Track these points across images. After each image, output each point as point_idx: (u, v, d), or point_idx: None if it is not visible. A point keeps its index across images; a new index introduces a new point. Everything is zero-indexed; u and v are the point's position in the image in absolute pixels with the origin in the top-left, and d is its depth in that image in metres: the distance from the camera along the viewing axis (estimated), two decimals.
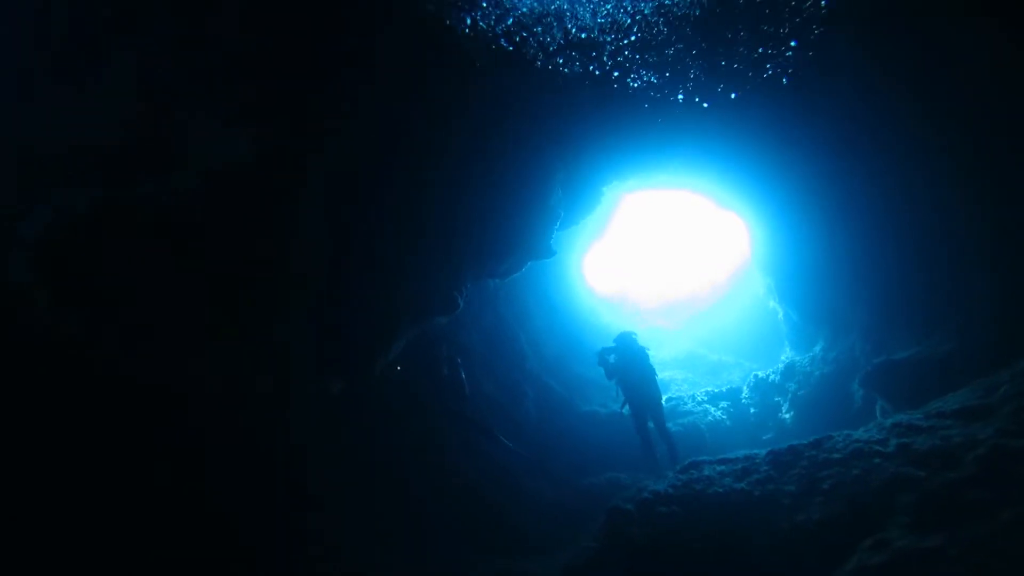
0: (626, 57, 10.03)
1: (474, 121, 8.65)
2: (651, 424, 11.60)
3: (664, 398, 12.58)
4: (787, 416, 12.76)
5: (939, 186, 9.07)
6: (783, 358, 14.54)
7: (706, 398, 14.58)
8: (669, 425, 13.11)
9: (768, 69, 9.74)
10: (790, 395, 13.00)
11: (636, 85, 10.42)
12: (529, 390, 13.77)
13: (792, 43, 9.29)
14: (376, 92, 7.88)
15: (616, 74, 10.19)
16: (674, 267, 28.78)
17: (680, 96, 10.60)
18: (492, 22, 8.77)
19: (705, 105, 10.73)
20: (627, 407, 11.66)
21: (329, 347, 7.48)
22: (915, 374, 9.02)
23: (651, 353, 12.12)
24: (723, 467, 7.16)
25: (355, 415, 8.65)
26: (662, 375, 16.85)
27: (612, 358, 11.96)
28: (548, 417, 13.69)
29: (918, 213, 9.41)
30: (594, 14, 9.29)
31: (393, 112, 8.03)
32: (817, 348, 13.23)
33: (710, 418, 13.74)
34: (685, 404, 14.24)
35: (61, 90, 6.44)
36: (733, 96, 10.32)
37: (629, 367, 11.74)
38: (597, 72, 9.96)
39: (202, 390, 6.18)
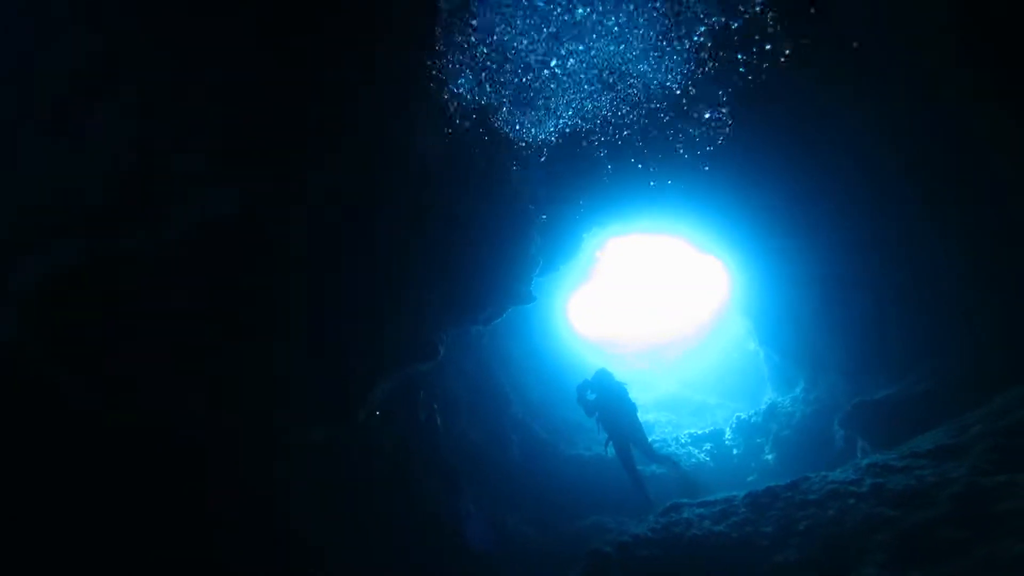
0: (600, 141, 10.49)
1: (455, 175, 8.80)
2: (638, 454, 11.58)
3: (650, 439, 12.52)
4: (770, 457, 12.76)
5: (913, 233, 9.28)
6: (765, 399, 14.60)
7: (689, 440, 14.57)
8: (654, 468, 13.15)
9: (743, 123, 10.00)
10: (772, 436, 13.02)
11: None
12: (514, 436, 13.72)
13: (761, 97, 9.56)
14: (360, 147, 7.99)
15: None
16: (657, 310, 28.95)
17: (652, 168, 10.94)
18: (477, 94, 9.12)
19: (684, 156, 10.99)
20: (611, 447, 11.63)
21: (311, 395, 7.49)
22: (893, 414, 9.10)
23: (629, 388, 12.13)
24: (702, 509, 7.16)
25: (340, 463, 8.60)
26: (646, 418, 16.90)
27: (591, 395, 11.96)
28: (533, 462, 13.60)
29: (893, 258, 9.61)
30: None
31: (375, 168, 8.13)
32: (798, 389, 13.32)
33: (694, 460, 13.70)
34: (669, 446, 14.20)
35: (46, 142, 6.50)
36: (709, 149, 10.55)
37: (609, 403, 11.72)
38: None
39: (188, 437, 6.17)
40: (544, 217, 11.36)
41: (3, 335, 5.68)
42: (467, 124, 9.27)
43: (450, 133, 9.04)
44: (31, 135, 6.54)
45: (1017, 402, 6.37)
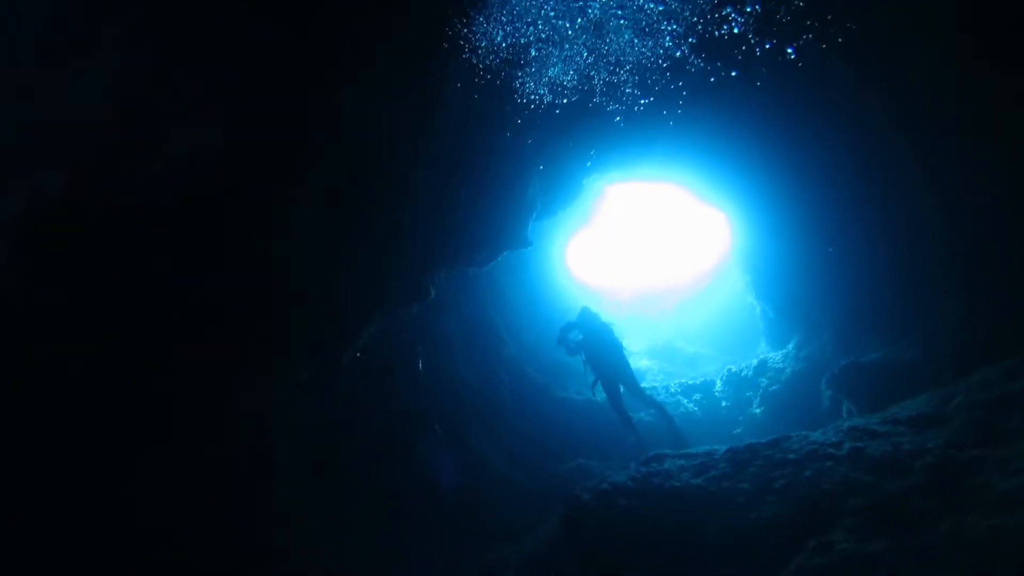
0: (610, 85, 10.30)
1: (454, 119, 8.64)
2: (626, 393, 11.69)
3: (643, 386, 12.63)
4: (758, 411, 12.91)
5: (913, 199, 9.20)
6: (758, 353, 14.70)
7: (679, 390, 14.73)
8: (643, 415, 13.31)
9: (752, 68, 9.78)
10: (761, 390, 13.14)
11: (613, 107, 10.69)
12: (505, 376, 13.85)
13: (769, 45, 9.34)
14: (366, 87, 7.83)
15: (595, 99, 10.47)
16: (656, 258, 28.88)
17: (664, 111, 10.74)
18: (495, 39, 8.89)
19: (688, 103, 10.82)
20: (599, 389, 11.72)
21: (299, 334, 7.52)
22: (879, 378, 9.15)
23: (615, 328, 12.14)
24: (683, 461, 7.26)
25: (323, 404, 8.70)
26: (638, 365, 17.07)
27: (577, 335, 11.98)
28: (524, 403, 13.76)
29: (891, 222, 9.56)
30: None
31: (380, 108, 7.99)
32: (790, 345, 13.39)
33: (682, 410, 13.86)
34: (659, 395, 14.31)
35: (43, 72, 6.39)
36: (713, 95, 10.37)
37: (595, 343, 11.75)
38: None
39: (172, 370, 6.23)
40: (542, 166, 11.23)
41: None
42: (487, 76, 9.08)
43: (474, 82, 8.87)
44: (27, 63, 6.43)
45: (1001, 376, 6.39)
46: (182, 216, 6.22)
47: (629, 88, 10.61)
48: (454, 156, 8.76)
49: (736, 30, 9.21)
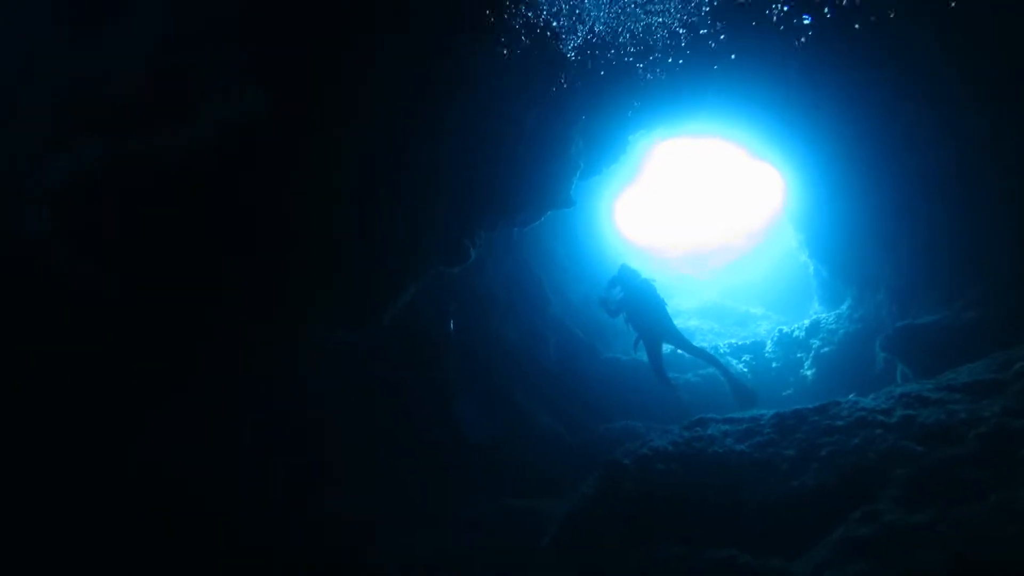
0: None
1: (493, 78, 8.47)
2: (678, 352, 11.53)
3: None
4: (808, 373, 12.66)
5: (969, 149, 8.76)
6: (811, 313, 14.37)
7: (729, 350, 14.48)
8: (689, 376, 13.16)
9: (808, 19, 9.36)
10: (813, 352, 12.86)
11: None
12: (550, 335, 13.81)
13: None
14: (404, 46, 7.71)
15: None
16: (705, 217, 28.31)
17: (712, 44, 10.30)
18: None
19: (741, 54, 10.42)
20: (641, 349, 11.58)
21: (340, 295, 7.57)
22: (936, 341, 8.84)
23: (656, 284, 11.91)
24: (728, 426, 7.16)
25: (367, 364, 8.80)
26: (687, 324, 16.86)
27: (618, 292, 11.82)
28: (569, 362, 13.75)
29: (948, 175, 9.10)
30: None
31: (416, 67, 7.87)
32: (844, 306, 13.03)
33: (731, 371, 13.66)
34: None
35: (76, 36, 6.44)
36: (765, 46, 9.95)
37: (635, 300, 11.56)
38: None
39: (214, 336, 6.34)
40: (585, 124, 10.96)
41: (34, 232, 5.79)
42: (529, 33, 8.87)
43: (514, 40, 8.68)
44: (62, 30, 6.48)
45: None
46: (220, 179, 6.25)
47: (675, 40, 10.27)
48: (493, 115, 8.60)
49: None
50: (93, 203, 5.83)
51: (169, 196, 6.04)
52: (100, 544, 5.75)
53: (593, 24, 9.55)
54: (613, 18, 9.73)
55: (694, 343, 12.38)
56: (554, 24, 9.08)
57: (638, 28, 10.05)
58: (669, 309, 11.82)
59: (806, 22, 9.47)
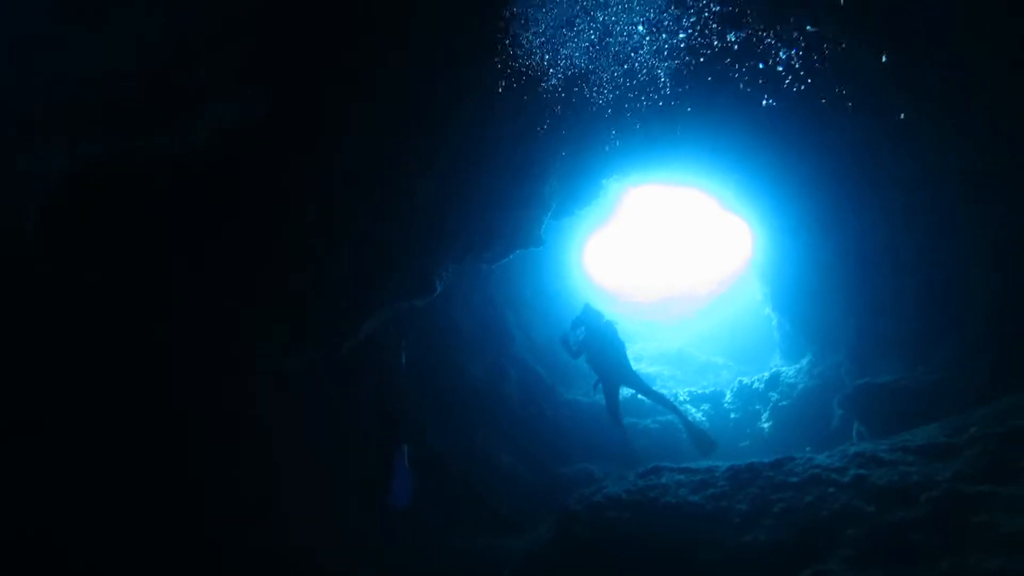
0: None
1: (475, 116, 8.50)
2: (630, 395, 11.48)
3: None
4: (766, 426, 12.69)
5: (944, 219, 8.93)
6: (771, 366, 14.46)
7: (688, 398, 14.51)
8: (648, 422, 13.12)
9: (782, 79, 9.55)
10: (771, 405, 12.92)
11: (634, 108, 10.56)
12: (514, 373, 13.73)
13: (798, 51, 9.11)
14: (399, 69, 7.70)
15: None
16: (674, 264, 28.64)
17: (686, 96, 10.49)
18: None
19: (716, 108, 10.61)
20: (600, 390, 11.54)
21: (296, 321, 7.44)
22: (894, 401, 8.92)
23: (618, 326, 11.95)
24: (682, 476, 7.08)
25: (324, 394, 8.63)
26: (649, 370, 16.87)
27: (580, 332, 11.80)
28: (531, 402, 13.66)
29: (919, 242, 9.27)
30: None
31: (405, 93, 7.87)
32: (804, 361, 13.16)
33: (689, 419, 13.64)
34: None
35: (79, 32, 6.34)
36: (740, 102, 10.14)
37: (598, 341, 11.55)
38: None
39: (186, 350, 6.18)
40: (560, 165, 11.03)
41: (27, 231, 5.66)
42: (513, 77, 8.95)
43: (498, 81, 8.73)
44: (59, 27, 6.39)
45: (1020, 409, 6.16)
46: (210, 185, 6.15)
47: (650, 90, 10.43)
48: (471, 151, 8.60)
49: (759, 36, 9.00)
50: (85, 203, 5.69)
51: (160, 200, 5.93)
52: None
53: (573, 67, 9.65)
54: (592, 62, 9.86)
55: (654, 388, 12.35)
56: (535, 65, 9.15)
57: (617, 75, 10.20)
58: (632, 353, 11.84)
59: (782, 78, 9.65)
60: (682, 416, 11.58)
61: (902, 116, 8.91)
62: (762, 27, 8.96)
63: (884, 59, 8.53)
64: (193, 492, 6.60)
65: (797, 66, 9.30)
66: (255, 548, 7.16)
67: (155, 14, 6.71)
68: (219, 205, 6.49)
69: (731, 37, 9.30)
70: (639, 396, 12.41)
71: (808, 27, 8.72)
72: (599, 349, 11.48)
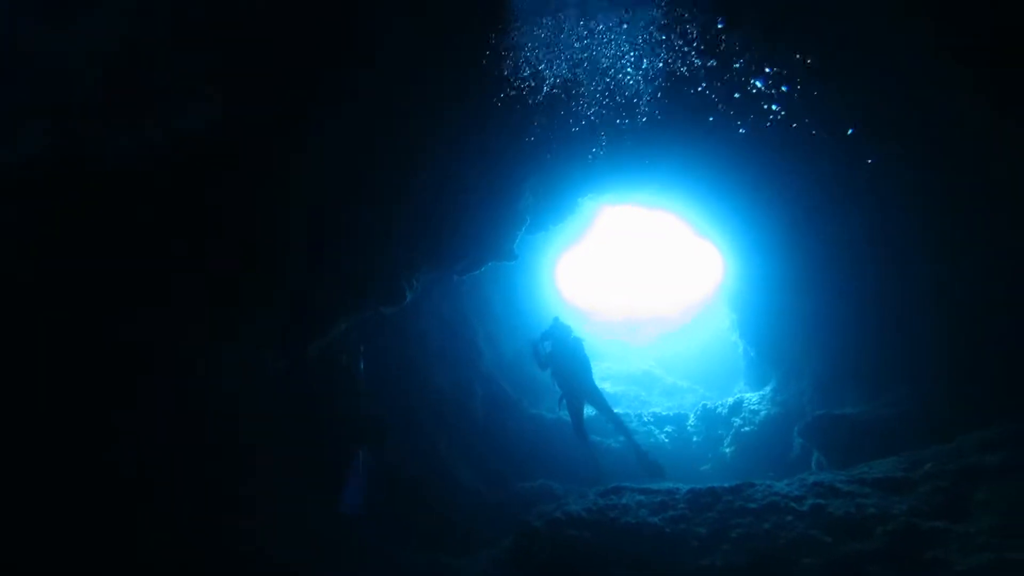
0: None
1: (452, 122, 8.49)
2: (594, 412, 11.52)
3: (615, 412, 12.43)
4: (728, 450, 12.75)
5: (909, 256, 9.10)
6: (735, 392, 14.56)
7: (652, 420, 14.51)
8: (611, 442, 13.12)
9: (754, 110, 9.71)
10: (734, 430, 12.99)
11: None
12: (479, 387, 13.64)
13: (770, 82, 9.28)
14: (369, 79, 7.66)
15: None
16: (644, 286, 28.84)
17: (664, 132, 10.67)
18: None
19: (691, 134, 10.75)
20: (565, 405, 11.56)
21: (265, 321, 7.34)
22: (853, 433, 9.03)
23: (585, 344, 12.02)
24: (643, 497, 7.12)
25: (288, 395, 8.51)
26: (615, 389, 16.90)
27: (547, 346, 11.83)
28: (496, 415, 13.59)
29: (885, 277, 9.43)
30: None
31: (384, 98, 7.84)
32: (768, 388, 13.26)
33: (653, 440, 13.65)
34: (631, 422, 14.08)
35: (40, 30, 6.22)
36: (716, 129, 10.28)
37: (563, 355, 11.60)
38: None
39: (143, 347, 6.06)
40: (535, 181, 11.07)
41: None
42: (492, 94, 8.99)
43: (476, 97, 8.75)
44: (27, 22, 6.26)
45: (973, 447, 6.28)
46: (166, 188, 6.03)
47: (628, 112, 10.55)
48: (446, 162, 8.59)
49: (736, 64, 9.16)
50: (27, 196, 5.55)
51: (109, 198, 5.79)
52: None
53: (554, 83, 9.70)
54: (574, 80, 9.94)
55: (614, 409, 12.40)
56: (517, 80, 9.19)
57: (597, 94, 10.29)
58: (599, 372, 11.88)
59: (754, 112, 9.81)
60: (632, 442, 11.64)
61: (869, 160, 9.12)
62: (739, 56, 9.08)
63: (849, 98, 8.72)
64: (154, 486, 6.46)
65: (769, 95, 9.46)
66: (212, 545, 7.04)
67: (115, 15, 6.60)
68: (184, 203, 6.38)
69: (708, 63, 9.41)
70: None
71: (781, 59, 8.88)
72: (565, 364, 11.52)
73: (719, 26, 8.82)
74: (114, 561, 6.02)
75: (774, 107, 9.54)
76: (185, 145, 6.26)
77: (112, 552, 6.03)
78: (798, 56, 8.66)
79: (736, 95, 9.68)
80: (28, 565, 5.49)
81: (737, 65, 9.17)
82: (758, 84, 9.30)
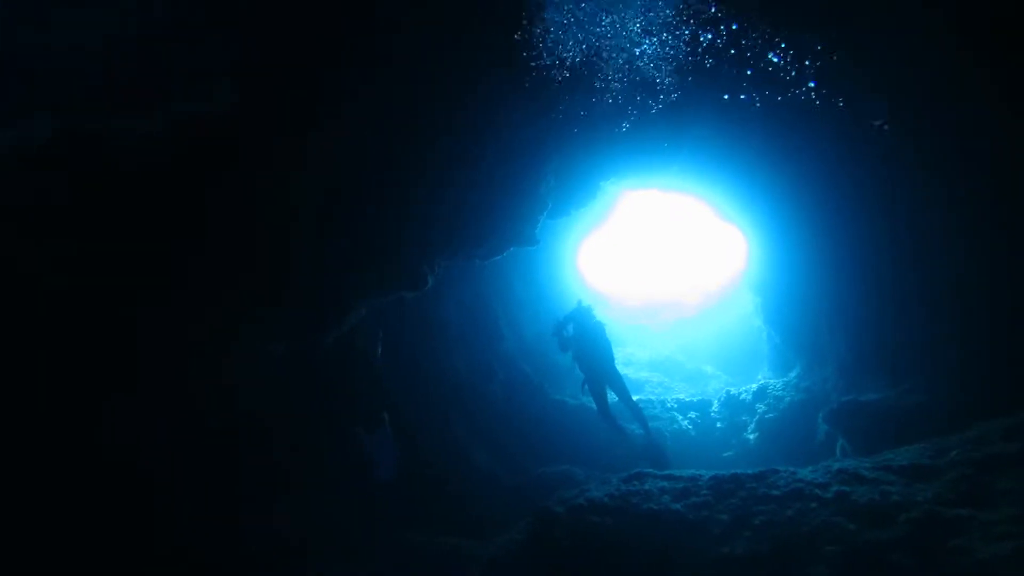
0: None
1: (474, 102, 8.44)
2: (615, 398, 11.53)
3: (635, 399, 12.42)
4: (752, 437, 12.70)
5: (933, 242, 8.95)
6: (759, 378, 14.48)
7: (676, 406, 14.48)
8: (634, 427, 13.12)
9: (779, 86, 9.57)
10: (758, 416, 12.93)
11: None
12: (500, 371, 13.69)
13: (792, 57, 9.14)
14: (388, 57, 7.63)
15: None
16: (667, 270, 28.65)
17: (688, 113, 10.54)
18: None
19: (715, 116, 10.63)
20: (588, 392, 11.57)
21: (289, 306, 7.38)
22: (878, 419, 8.94)
23: (607, 328, 11.99)
24: (665, 483, 7.08)
25: (305, 382, 8.59)
26: (638, 375, 16.88)
27: (569, 329, 11.81)
28: (516, 400, 13.64)
29: (909, 261, 9.29)
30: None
31: (397, 90, 7.81)
32: (792, 374, 13.17)
33: (676, 426, 13.64)
34: (653, 408, 14.11)
35: (47, 13, 6.28)
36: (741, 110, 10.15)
37: (585, 339, 11.58)
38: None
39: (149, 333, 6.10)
40: (557, 165, 10.99)
41: None
42: (513, 74, 8.94)
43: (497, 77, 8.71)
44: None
45: (1001, 434, 6.17)
46: (174, 177, 6.05)
47: (651, 92, 10.44)
48: (466, 144, 8.55)
49: (758, 42, 9.01)
50: (35, 181, 5.60)
51: (118, 183, 5.83)
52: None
53: (575, 63, 9.61)
54: (595, 59, 9.84)
55: (639, 396, 12.39)
56: (538, 61, 9.12)
57: (619, 74, 10.19)
58: (621, 358, 11.85)
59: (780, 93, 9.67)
60: (647, 431, 11.66)
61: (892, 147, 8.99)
62: (759, 32, 8.96)
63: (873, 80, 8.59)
64: (165, 478, 6.56)
65: (794, 72, 9.33)
66: (226, 528, 7.16)
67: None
68: (196, 188, 6.41)
69: (728, 39, 9.28)
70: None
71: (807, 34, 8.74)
72: (586, 348, 11.49)
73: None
74: (129, 551, 6.13)
75: (803, 86, 9.42)
76: (194, 137, 6.28)
77: (128, 541, 6.14)
78: (822, 33, 8.52)
79: (760, 72, 9.55)
80: (38, 563, 5.59)
81: (760, 41, 9.03)
82: (777, 61, 9.17)
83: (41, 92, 6.08)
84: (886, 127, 8.83)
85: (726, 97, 10.29)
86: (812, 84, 9.34)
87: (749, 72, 9.71)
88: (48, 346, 5.61)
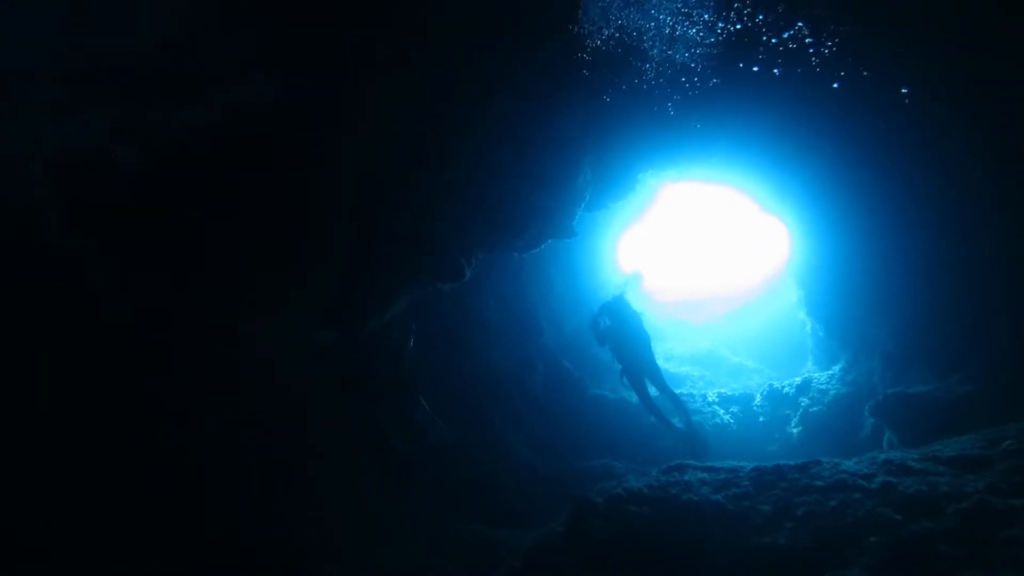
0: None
1: (507, 100, 8.42)
2: (655, 391, 11.44)
3: (677, 392, 12.30)
4: (795, 431, 12.49)
5: (982, 230, 8.71)
6: (803, 371, 14.23)
7: (717, 400, 14.30)
8: (675, 420, 13.01)
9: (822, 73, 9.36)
10: (801, 410, 12.69)
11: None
12: (539, 364, 13.70)
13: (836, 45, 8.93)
14: (423, 56, 7.64)
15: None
16: (707, 264, 28.33)
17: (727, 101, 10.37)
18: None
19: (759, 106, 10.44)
20: (628, 386, 11.48)
21: (330, 296, 7.46)
22: (926, 411, 8.73)
23: (644, 319, 11.89)
24: (705, 475, 6.99)
25: (341, 368, 8.67)
26: (679, 370, 16.70)
27: (606, 320, 11.72)
28: (556, 394, 13.64)
29: (957, 251, 9.05)
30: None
31: (433, 79, 7.81)
32: (837, 367, 12.91)
33: (718, 420, 13.49)
34: (695, 402, 13.96)
35: (95, 8, 6.41)
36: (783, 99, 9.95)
37: (621, 331, 11.48)
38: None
39: (193, 327, 6.22)
40: (596, 149, 10.89)
41: (27, 200, 5.71)
42: (551, 63, 8.90)
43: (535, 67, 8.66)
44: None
45: None
46: (220, 167, 6.16)
47: (690, 80, 10.30)
48: (505, 136, 8.54)
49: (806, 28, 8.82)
50: (90, 177, 5.74)
51: (170, 177, 5.95)
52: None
53: (613, 53, 9.51)
54: (633, 50, 9.73)
55: (681, 390, 12.26)
56: (577, 52, 9.05)
57: (657, 65, 10.08)
58: (661, 352, 11.76)
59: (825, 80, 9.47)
60: (689, 423, 11.57)
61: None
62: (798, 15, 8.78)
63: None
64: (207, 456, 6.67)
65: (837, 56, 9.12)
66: (266, 513, 7.26)
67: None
68: (254, 179, 6.51)
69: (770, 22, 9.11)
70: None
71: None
72: (624, 340, 11.40)
73: None
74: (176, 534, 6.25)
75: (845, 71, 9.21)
76: (241, 122, 6.37)
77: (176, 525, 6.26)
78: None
79: (802, 58, 9.37)
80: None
81: (801, 24, 8.85)
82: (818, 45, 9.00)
83: (77, 92, 6.20)
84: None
85: (767, 85, 10.11)
86: (856, 70, 9.12)
87: (792, 60, 9.53)
88: (103, 329, 5.76)
